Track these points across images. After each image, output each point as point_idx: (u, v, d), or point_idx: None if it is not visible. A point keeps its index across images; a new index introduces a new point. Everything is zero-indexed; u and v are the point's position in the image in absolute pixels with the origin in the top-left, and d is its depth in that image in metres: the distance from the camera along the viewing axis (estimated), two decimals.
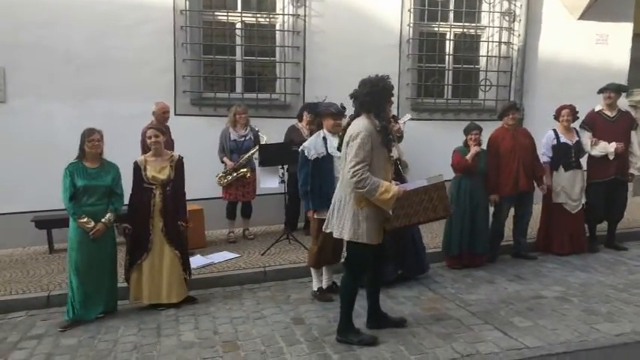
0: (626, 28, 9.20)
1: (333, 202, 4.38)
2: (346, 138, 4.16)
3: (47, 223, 6.77)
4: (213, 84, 8.10)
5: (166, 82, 7.50)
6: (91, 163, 5.00)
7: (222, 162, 7.11)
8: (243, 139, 7.13)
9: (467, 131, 6.22)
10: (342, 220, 4.23)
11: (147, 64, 7.34)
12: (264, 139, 7.05)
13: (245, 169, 7.03)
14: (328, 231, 4.43)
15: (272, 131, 7.33)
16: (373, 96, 4.09)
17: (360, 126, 4.07)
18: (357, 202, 4.14)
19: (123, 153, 6.36)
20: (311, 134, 6.86)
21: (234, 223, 7.40)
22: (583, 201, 6.67)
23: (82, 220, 4.87)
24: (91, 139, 4.95)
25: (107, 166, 5.08)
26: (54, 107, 7.16)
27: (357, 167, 3.98)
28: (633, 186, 7.97)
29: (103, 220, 4.97)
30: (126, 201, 5.25)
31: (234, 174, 7.02)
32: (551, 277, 5.98)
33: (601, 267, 6.27)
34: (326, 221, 4.45)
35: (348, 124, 4.25)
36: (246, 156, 7.00)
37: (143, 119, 6.50)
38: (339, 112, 5.26)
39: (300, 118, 7.35)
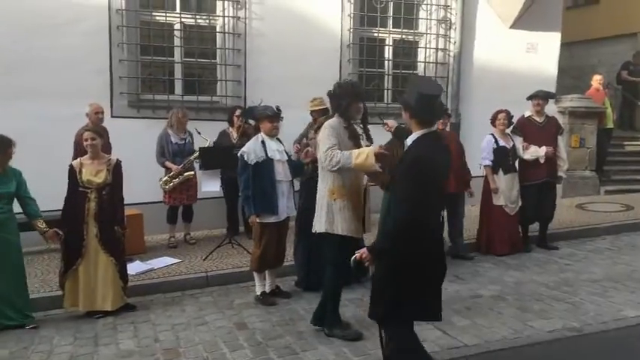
0: (555, 38, 9.65)
1: (317, 198, 4.62)
2: (318, 138, 4.53)
3: None
4: (152, 86, 7.90)
5: (102, 84, 7.26)
6: None
7: (164, 166, 6.94)
8: (184, 141, 7.01)
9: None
10: (319, 214, 4.48)
11: (80, 64, 7.06)
12: (207, 141, 6.93)
13: (191, 172, 6.92)
14: (315, 230, 4.61)
15: (214, 134, 7.24)
16: (336, 98, 4.49)
17: (327, 124, 4.47)
18: (330, 193, 4.43)
19: (56, 155, 6.16)
20: (241, 138, 6.88)
21: (174, 228, 7.24)
22: (519, 203, 6.93)
23: None
24: (11, 150, 4.77)
25: (9, 172, 4.83)
26: None
27: (326, 152, 4.31)
28: (562, 188, 8.34)
29: (40, 227, 4.84)
30: (57, 205, 5.06)
31: (180, 177, 6.89)
32: (488, 276, 6.19)
33: (534, 266, 6.54)
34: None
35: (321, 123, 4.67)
36: (192, 158, 6.88)
37: (77, 121, 6.29)
38: (276, 114, 5.28)
39: (230, 122, 7.29)
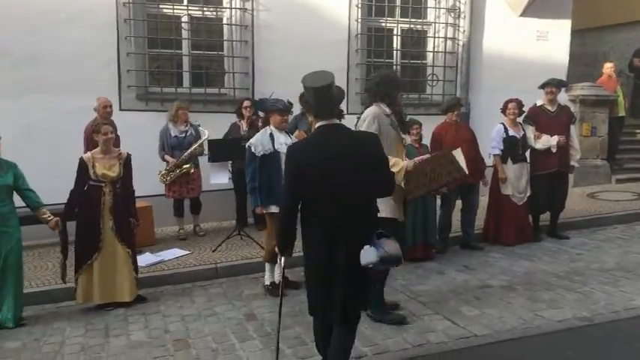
0: (565, 25, 9.54)
1: None
2: (358, 124, 4.55)
3: None
4: (160, 78, 7.91)
5: (110, 77, 7.27)
6: None
7: (164, 160, 6.95)
8: (184, 134, 6.97)
9: (407, 126, 6.30)
10: None
11: (88, 58, 7.08)
12: (205, 134, 6.90)
13: (188, 165, 6.89)
14: None
15: (223, 126, 7.24)
16: (383, 86, 4.52)
17: (367, 112, 4.53)
18: None
19: (65, 148, 6.18)
20: (250, 130, 6.89)
21: (182, 220, 7.27)
22: (528, 193, 6.89)
23: None
24: None
25: (4, 165, 4.77)
26: None
27: None
28: (573, 177, 8.26)
29: (44, 215, 4.85)
30: (59, 198, 5.08)
31: (177, 171, 6.87)
32: (498, 266, 6.17)
33: (544, 256, 6.50)
34: None
35: (362, 112, 4.65)
36: (188, 152, 6.85)
37: (86, 114, 6.33)
38: (287, 108, 5.34)
39: (239, 114, 7.28)
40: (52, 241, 6.43)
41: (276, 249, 3.65)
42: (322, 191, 3.19)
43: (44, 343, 4.46)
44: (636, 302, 4.98)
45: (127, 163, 5.17)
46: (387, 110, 4.51)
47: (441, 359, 4.06)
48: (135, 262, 5.24)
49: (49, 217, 4.90)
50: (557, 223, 7.28)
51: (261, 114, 6.54)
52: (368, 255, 3.13)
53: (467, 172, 5.02)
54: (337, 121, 3.33)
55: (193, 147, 6.86)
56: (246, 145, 5.32)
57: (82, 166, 5.01)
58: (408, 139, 4.84)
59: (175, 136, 6.95)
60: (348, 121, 3.84)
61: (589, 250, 6.72)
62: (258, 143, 5.20)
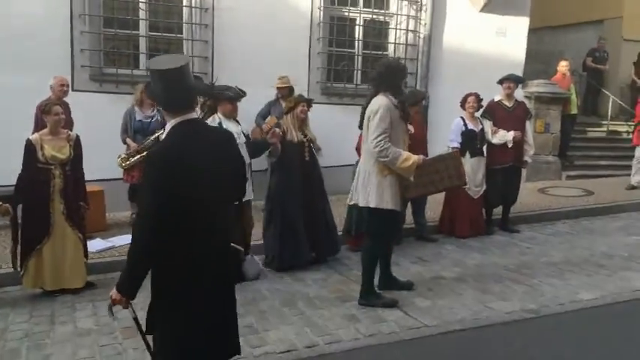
0: (523, 23, 9.70)
1: (356, 175, 4.77)
2: (367, 114, 4.56)
3: None
4: (115, 59, 7.68)
5: (62, 56, 7.00)
6: None
7: (125, 143, 6.76)
8: (149, 119, 6.76)
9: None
10: (368, 190, 4.58)
11: (39, 35, 6.77)
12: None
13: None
14: (352, 203, 4.81)
15: None
16: (389, 76, 4.54)
17: (379, 102, 4.50)
18: (380, 171, 4.54)
19: (12, 128, 5.93)
20: (204, 114, 6.73)
21: (136, 206, 7.09)
22: (484, 187, 7.01)
23: None
24: None
25: None
26: None
27: (379, 138, 4.41)
28: (525, 172, 8.45)
29: None
30: (5, 180, 4.90)
31: (137, 156, 6.69)
32: (450, 258, 6.27)
33: (495, 249, 6.65)
34: (350, 194, 4.85)
35: (368, 102, 4.63)
36: (152, 139, 6.61)
37: (35, 93, 6.07)
38: (238, 96, 5.14)
39: None
40: None
41: None
42: (201, 209, 2.60)
43: None
44: (581, 295, 5.14)
45: (76, 145, 4.99)
46: (395, 101, 4.53)
47: (392, 349, 4.08)
48: (85, 247, 5.10)
49: None
50: (509, 217, 7.45)
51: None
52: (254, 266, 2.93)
53: (466, 183, 5.09)
54: (195, 115, 2.75)
55: (158, 134, 6.62)
56: None
57: (30, 148, 4.80)
58: (412, 129, 4.85)
59: (140, 121, 6.71)
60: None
61: (538, 243, 6.90)
62: None
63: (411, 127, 4.87)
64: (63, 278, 4.93)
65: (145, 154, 6.63)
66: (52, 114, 4.81)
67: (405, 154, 4.50)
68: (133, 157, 6.66)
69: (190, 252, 2.57)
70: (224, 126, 5.06)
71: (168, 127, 2.64)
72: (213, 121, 5.11)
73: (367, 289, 4.85)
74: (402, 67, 4.75)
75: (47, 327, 4.37)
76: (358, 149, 6.27)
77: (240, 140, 5.15)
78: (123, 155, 6.69)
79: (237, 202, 3.05)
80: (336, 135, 7.05)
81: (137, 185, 6.92)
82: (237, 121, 5.32)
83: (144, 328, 2.78)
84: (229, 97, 5.08)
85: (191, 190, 2.50)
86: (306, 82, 8.37)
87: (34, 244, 4.83)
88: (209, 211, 2.62)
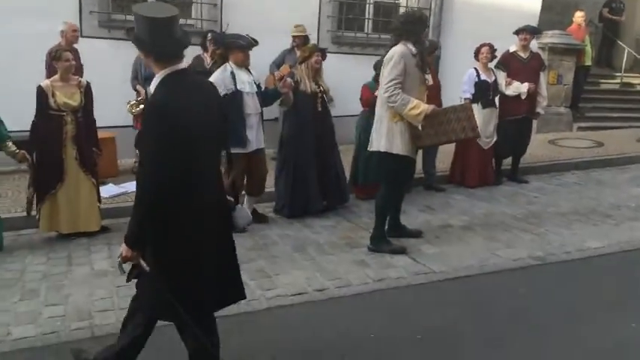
0: None
1: (375, 121, 4.81)
2: (384, 62, 4.60)
3: None
4: (123, 5, 7.56)
5: (71, 1, 6.93)
6: None
7: (135, 90, 6.74)
8: None
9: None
10: (379, 135, 4.66)
11: None
12: None
13: None
14: (372, 149, 4.81)
15: (189, 58, 7.03)
16: (410, 25, 4.55)
17: (395, 50, 4.54)
18: (391, 117, 4.60)
19: (21, 74, 5.90)
20: (214, 64, 6.68)
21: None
22: (494, 138, 6.99)
23: None
24: None
25: None
26: None
27: (389, 84, 4.48)
28: (536, 124, 8.40)
29: (10, 149, 4.69)
30: (23, 126, 4.93)
31: None
32: (458, 207, 6.32)
33: (503, 198, 6.69)
34: (370, 142, 4.86)
35: (386, 52, 4.64)
36: None
37: (44, 39, 6.02)
38: (250, 45, 5.07)
39: (204, 47, 7.07)
40: (10, 168, 6.29)
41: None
42: (200, 157, 2.57)
43: (5, 270, 4.41)
44: (588, 244, 5.21)
45: (87, 91, 4.99)
46: (414, 50, 4.53)
47: (400, 293, 4.18)
48: (98, 192, 5.18)
49: (16, 150, 4.74)
50: (518, 168, 7.45)
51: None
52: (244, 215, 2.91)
53: (480, 136, 5.01)
54: (183, 65, 2.62)
55: None
56: None
57: (42, 95, 4.80)
58: (431, 79, 4.85)
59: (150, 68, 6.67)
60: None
61: (546, 194, 6.93)
62: (220, 82, 4.88)
63: (429, 78, 4.81)
64: (78, 222, 5.03)
65: None
66: (63, 60, 4.79)
67: (415, 101, 4.50)
68: (143, 103, 6.65)
69: (189, 201, 2.53)
70: (236, 75, 5.04)
71: (158, 78, 2.53)
72: (224, 70, 5.07)
73: (378, 234, 4.94)
74: (423, 17, 4.76)
75: (65, 268, 4.49)
76: (362, 100, 6.26)
77: (252, 89, 5.14)
78: (133, 101, 6.69)
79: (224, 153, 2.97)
80: (345, 85, 6.98)
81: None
82: (249, 70, 5.26)
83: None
84: (241, 46, 5.02)
85: (188, 139, 2.45)
86: (316, 31, 8.25)
87: (48, 189, 4.90)
88: (203, 161, 2.60)
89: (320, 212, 5.85)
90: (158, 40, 2.49)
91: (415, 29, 4.56)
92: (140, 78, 6.69)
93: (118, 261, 2.59)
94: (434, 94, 6.22)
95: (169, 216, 2.49)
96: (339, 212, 5.99)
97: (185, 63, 2.68)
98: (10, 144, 4.73)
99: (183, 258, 2.58)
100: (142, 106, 6.60)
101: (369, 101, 6.10)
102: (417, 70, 4.59)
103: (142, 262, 2.54)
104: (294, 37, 7.40)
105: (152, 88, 2.56)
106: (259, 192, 5.58)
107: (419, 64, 4.57)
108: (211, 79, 5.01)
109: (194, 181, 2.53)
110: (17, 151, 4.74)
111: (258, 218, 5.60)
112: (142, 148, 2.49)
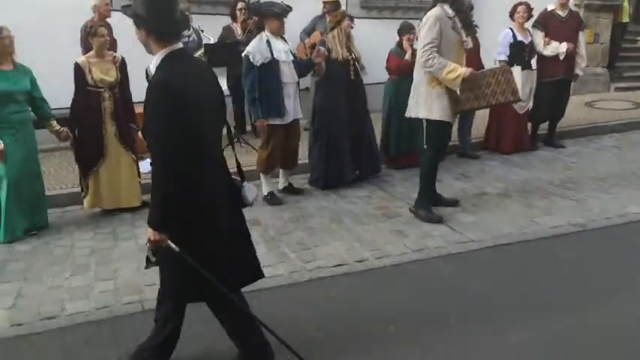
0: None
1: (413, 88, 4.77)
2: (420, 26, 4.60)
3: None
4: None
5: None
6: (5, 65, 4.51)
7: None
8: (186, 39, 6.66)
9: (402, 32, 6.15)
10: (417, 101, 4.69)
11: None
12: (209, 40, 6.67)
13: None
14: (409, 116, 4.85)
15: (215, 30, 7.02)
16: None
17: (430, 13, 4.53)
18: (429, 82, 4.60)
19: (55, 50, 5.92)
20: (244, 34, 6.66)
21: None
22: (531, 102, 6.85)
23: None
24: (2, 36, 4.44)
25: (21, 69, 4.62)
26: None
27: (425, 48, 4.46)
28: (573, 85, 8.20)
29: (55, 128, 4.78)
30: (61, 104, 4.99)
31: None
32: (494, 174, 6.27)
33: (540, 164, 6.60)
34: (408, 108, 4.85)
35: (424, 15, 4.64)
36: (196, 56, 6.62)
37: (77, 13, 6.05)
38: (284, 11, 5.03)
39: (233, 17, 7.02)
40: (51, 146, 6.41)
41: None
42: (204, 139, 2.56)
43: (55, 246, 4.57)
44: (629, 209, 5.13)
45: (122, 66, 5.04)
46: (450, 12, 4.48)
47: (439, 262, 4.20)
48: (138, 167, 5.27)
49: (60, 129, 4.82)
50: (555, 132, 7.32)
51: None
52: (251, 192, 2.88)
53: (521, 98, 4.92)
54: (181, 45, 2.61)
55: (198, 53, 6.60)
56: (243, 54, 5.11)
57: (79, 72, 4.86)
58: (470, 42, 4.78)
59: None
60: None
61: (584, 158, 6.82)
62: (256, 52, 4.96)
63: (469, 40, 4.72)
64: (120, 198, 5.14)
65: None
66: (98, 35, 4.83)
67: (452, 65, 4.45)
68: None
69: (200, 181, 2.53)
70: (272, 44, 5.01)
71: (158, 57, 2.49)
72: (260, 38, 5.07)
73: (422, 199, 4.99)
74: None
75: (111, 243, 4.62)
76: (389, 69, 6.18)
77: (288, 59, 5.13)
78: None
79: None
80: (375, 51, 6.89)
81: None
82: (284, 39, 5.25)
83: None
84: (276, 13, 4.99)
85: (193, 116, 2.44)
86: None
87: (90, 166, 5.00)
88: (209, 139, 2.59)
89: (353, 182, 5.86)
90: (161, 19, 2.47)
91: None
92: None
93: (147, 248, 2.56)
94: (473, 56, 6.10)
95: (185, 194, 2.46)
96: (372, 182, 6.00)
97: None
98: (54, 122, 4.81)
99: (204, 235, 2.59)
100: None
101: (400, 68, 6.02)
102: (454, 33, 4.52)
103: (171, 244, 2.50)
104: (324, 2, 7.30)
105: (152, 67, 2.53)
106: (293, 164, 5.62)
107: (455, 26, 4.50)
108: (249, 47, 5.08)
109: (203, 158, 2.53)
110: (61, 129, 4.83)
111: (294, 191, 5.66)
112: (149, 129, 2.45)
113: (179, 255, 2.52)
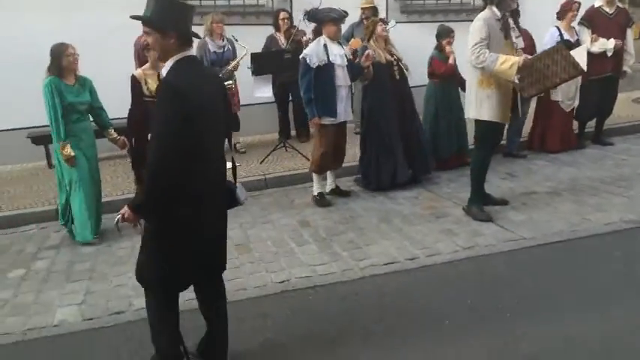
0: None
1: (467, 91, 4.91)
2: (470, 30, 4.65)
3: (43, 138, 6.67)
4: None
5: None
6: (69, 79, 4.79)
7: None
8: (222, 50, 6.82)
9: (441, 35, 6.19)
10: (469, 102, 4.79)
11: None
12: (244, 49, 6.70)
13: (231, 82, 6.75)
14: (468, 117, 4.96)
15: (262, 39, 7.20)
16: None
17: (479, 16, 4.64)
18: (479, 84, 4.69)
19: (112, 65, 6.20)
20: (288, 42, 6.82)
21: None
22: (577, 100, 6.79)
23: (66, 149, 4.69)
24: (68, 53, 4.72)
25: (82, 81, 4.89)
26: (35, 19, 6.86)
27: (474, 47, 4.53)
28: (620, 83, 8.07)
29: (113, 136, 5.02)
30: (117, 114, 5.22)
31: None
32: (542, 173, 6.23)
33: (588, 162, 6.53)
34: (465, 110, 4.99)
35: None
36: (230, 67, 6.67)
37: (129, 30, 6.30)
38: (341, 17, 5.22)
39: (276, 27, 7.17)
40: (107, 154, 6.67)
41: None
42: (210, 146, 2.68)
43: (117, 248, 4.78)
44: None
45: None
46: (498, 14, 4.54)
47: (491, 260, 4.22)
48: None
49: (117, 137, 5.04)
50: (603, 130, 7.22)
51: (305, 26, 6.33)
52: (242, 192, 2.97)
53: (585, 69, 4.85)
54: (193, 52, 2.72)
55: (235, 62, 6.72)
56: (301, 57, 5.32)
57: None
58: (521, 42, 4.82)
59: (214, 52, 6.79)
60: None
61: (634, 155, 6.70)
62: (313, 54, 5.17)
63: (519, 41, 4.75)
64: None
65: (225, 84, 6.76)
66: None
67: (504, 56, 4.47)
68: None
69: (195, 183, 2.60)
70: (329, 48, 5.21)
71: (172, 61, 2.58)
72: (318, 42, 5.27)
73: (473, 197, 5.06)
74: None
75: None
76: (434, 74, 6.22)
77: (343, 62, 5.29)
78: None
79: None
80: (416, 54, 6.94)
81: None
82: (340, 43, 5.45)
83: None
84: (333, 19, 5.19)
85: (195, 123, 2.51)
86: (384, 1, 8.23)
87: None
88: (210, 142, 2.68)
89: (402, 183, 5.91)
90: (183, 24, 2.58)
91: None
92: (207, 64, 6.77)
93: (117, 219, 2.66)
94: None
95: (177, 191, 2.53)
96: (419, 183, 6.04)
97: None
98: (112, 131, 5.04)
99: (184, 231, 2.66)
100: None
101: (447, 73, 6.12)
102: (502, 34, 4.57)
103: (140, 225, 2.66)
104: (362, 9, 7.39)
105: (164, 71, 2.62)
106: (339, 163, 5.72)
107: (504, 27, 4.54)
108: (306, 50, 5.30)
109: (201, 159, 2.60)
110: (118, 137, 5.05)
111: (341, 193, 5.76)
112: (154, 125, 2.56)
113: (143, 241, 2.71)
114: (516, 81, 4.55)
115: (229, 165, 2.95)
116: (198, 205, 2.65)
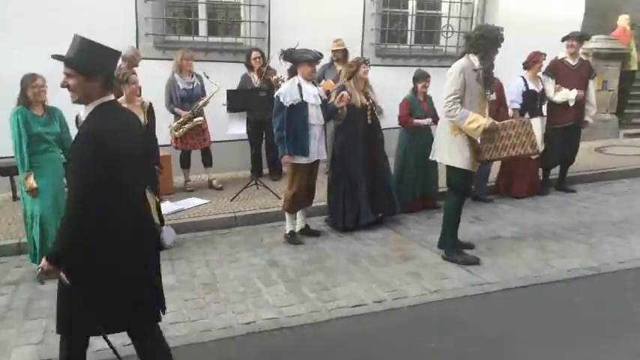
0: None
1: (437, 132, 5.01)
2: (446, 76, 4.72)
3: (9, 169, 6.55)
4: (176, 27, 7.91)
5: (128, 25, 7.26)
6: (37, 110, 4.75)
7: (173, 113, 6.87)
8: (191, 86, 6.89)
9: (417, 79, 6.38)
10: (441, 147, 4.91)
11: (106, 5, 7.05)
12: (216, 86, 6.74)
13: (201, 118, 6.87)
14: (433, 159, 5.05)
15: (237, 76, 7.28)
16: (483, 40, 4.61)
17: (456, 64, 4.71)
18: (451, 131, 4.77)
19: None
20: (261, 81, 6.92)
21: (188, 172, 7.27)
22: (542, 147, 7.00)
23: (29, 179, 4.63)
24: (34, 84, 4.69)
25: (52, 111, 4.84)
26: (10, 48, 6.81)
27: (448, 98, 4.63)
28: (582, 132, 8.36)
29: None
30: None
31: (189, 123, 6.84)
32: (507, 218, 6.36)
33: (552, 208, 6.69)
34: (432, 151, 5.09)
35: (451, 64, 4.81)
36: (202, 103, 6.79)
37: None
38: (316, 58, 5.34)
39: (249, 66, 7.26)
40: None
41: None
42: (131, 192, 2.70)
43: None
44: None
45: (150, 111, 5.28)
46: (476, 65, 4.65)
47: (456, 304, 4.28)
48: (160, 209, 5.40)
49: None
50: (566, 177, 7.43)
51: (280, 65, 6.42)
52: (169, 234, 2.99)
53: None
54: (113, 97, 2.71)
55: (205, 99, 6.81)
56: (275, 95, 5.42)
57: None
58: (493, 95, 4.96)
59: (184, 88, 6.85)
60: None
61: (595, 203, 6.90)
62: (287, 93, 5.26)
63: (492, 95, 4.92)
64: None
65: (195, 120, 6.82)
66: (130, 83, 5.09)
67: (474, 115, 4.60)
68: (186, 124, 6.84)
69: (117, 223, 2.59)
70: (303, 88, 5.30)
71: (91, 106, 2.59)
72: (292, 82, 5.37)
73: (450, 243, 5.09)
74: (499, 37, 4.66)
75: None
76: (400, 118, 6.38)
77: (317, 102, 5.40)
78: (174, 124, 6.86)
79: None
80: (389, 97, 7.10)
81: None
82: (315, 83, 5.56)
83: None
84: (308, 59, 5.29)
85: (116, 167, 2.53)
86: (359, 45, 8.42)
87: None
88: (130, 187, 2.68)
89: (369, 225, 5.96)
90: (109, 68, 2.64)
91: (486, 45, 4.63)
92: (176, 100, 6.86)
93: (37, 271, 2.64)
94: (499, 109, 6.36)
95: (98, 236, 2.53)
96: (386, 224, 6.11)
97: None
98: None
99: (110, 275, 2.62)
100: (184, 127, 6.81)
101: (401, 118, 6.32)
102: (478, 85, 4.68)
103: (63, 276, 2.59)
104: (333, 51, 7.53)
105: (83, 115, 2.62)
106: (309, 202, 5.76)
107: (479, 78, 4.66)
108: (281, 89, 5.41)
109: (121, 204, 2.60)
110: None
111: (311, 233, 5.79)
112: (72, 172, 2.54)
113: (69, 289, 2.59)
114: (478, 142, 4.71)
115: (153, 207, 2.93)
116: (118, 250, 2.60)
